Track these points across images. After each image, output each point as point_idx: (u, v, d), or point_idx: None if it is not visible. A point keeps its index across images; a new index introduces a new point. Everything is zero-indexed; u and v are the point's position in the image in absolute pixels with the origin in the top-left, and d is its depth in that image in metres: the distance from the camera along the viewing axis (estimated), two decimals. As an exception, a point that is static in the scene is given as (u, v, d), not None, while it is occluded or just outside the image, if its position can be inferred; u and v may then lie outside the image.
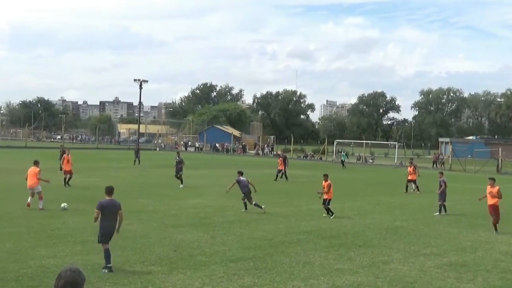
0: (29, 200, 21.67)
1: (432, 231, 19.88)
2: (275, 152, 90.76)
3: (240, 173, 23.86)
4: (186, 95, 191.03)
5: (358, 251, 15.86)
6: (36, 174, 22.06)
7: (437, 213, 24.68)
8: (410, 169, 35.73)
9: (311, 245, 16.43)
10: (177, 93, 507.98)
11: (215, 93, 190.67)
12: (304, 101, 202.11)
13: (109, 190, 13.27)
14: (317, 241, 17.11)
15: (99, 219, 12.84)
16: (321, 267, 13.65)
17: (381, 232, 19.25)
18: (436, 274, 13.53)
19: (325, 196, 22.74)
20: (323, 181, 23.03)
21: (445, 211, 24.83)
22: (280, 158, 42.22)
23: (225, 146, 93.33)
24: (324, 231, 18.95)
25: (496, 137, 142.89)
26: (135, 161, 51.64)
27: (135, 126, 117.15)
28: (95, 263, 13.13)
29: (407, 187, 34.88)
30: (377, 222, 21.51)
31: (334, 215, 22.16)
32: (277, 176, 40.59)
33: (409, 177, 35.09)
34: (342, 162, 62.41)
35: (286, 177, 40.51)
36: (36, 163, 22.67)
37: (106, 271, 12.39)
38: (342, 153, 66.48)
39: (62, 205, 21.61)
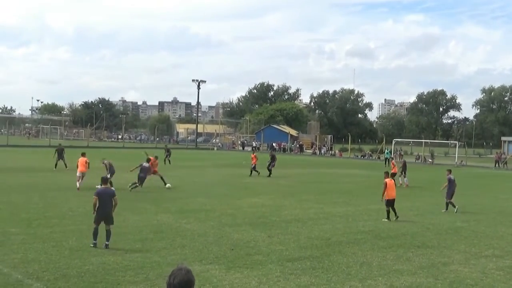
0: (78, 185, 27.47)
1: (494, 232, 19.39)
2: (332, 152, 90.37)
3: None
4: (244, 95, 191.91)
5: (417, 252, 15.61)
6: (85, 162, 28.45)
7: (444, 210, 24.49)
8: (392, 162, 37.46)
9: (369, 245, 16.28)
10: (235, 93, 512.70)
11: (272, 93, 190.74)
12: (362, 100, 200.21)
13: (104, 180, 15.56)
14: (375, 241, 16.93)
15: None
16: (379, 268, 13.51)
17: (441, 233, 18.89)
18: (498, 276, 13.20)
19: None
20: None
21: (453, 207, 24.36)
22: (253, 154, 42.74)
23: (282, 146, 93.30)
24: (382, 231, 18.74)
25: None
26: (164, 160, 46.92)
27: (193, 126, 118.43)
28: (154, 261, 13.36)
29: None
30: (436, 222, 21.13)
31: (397, 217, 21.31)
32: (251, 172, 40.01)
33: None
34: (386, 159, 61.71)
35: (255, 172, 39.72)
36: (83, 154, 29.40)
37: (91, 245, 14.52)
38: (386, 150, 65.94)
39: (167, 185, 29.19)
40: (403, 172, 37.29)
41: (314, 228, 18.79)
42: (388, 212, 21.30)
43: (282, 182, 35.94)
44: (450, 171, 26.03)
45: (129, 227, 17.74)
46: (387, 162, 60.25)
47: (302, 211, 22.75)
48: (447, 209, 24.64)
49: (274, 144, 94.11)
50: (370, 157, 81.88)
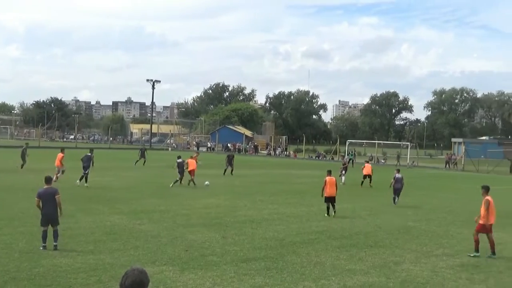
0: (54, 177, 28.50)
1: (444, 232, 19.80)
2: (287, 153, 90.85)
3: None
4: (199, 95, 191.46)
5: (370, 251, 15.82)
6: (59, 158, 31.51)
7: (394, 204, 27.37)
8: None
9: (322, 245, 16.41)
10: (190, 94, 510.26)
11: (227, 93, 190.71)
12: (317, 101, 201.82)
13: (47, 180, 14.85)
14: (328, 241, 17.09)
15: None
16: (332, 268, 13.63)
17: (393, 232, 19.19)
18: (448, 275, 13.47)
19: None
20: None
21: (394, 202, 27.44)
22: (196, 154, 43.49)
23: (237, 146, 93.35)
24: (335, 231, 18.92)
25: (509, 137, 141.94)
26: (139, 161, 49.43)
27: (148, 126, 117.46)
28: (106, 263, 13.18)
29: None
30: (388, 222, 21.45)
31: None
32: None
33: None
34: (351, 160, 62.53)
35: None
36: (62, 150, 32.75)
37: (41, 248, 14.19)
38: (350, 152, 66.87)
39: (206, 182, 31.96)
40: (343, 171, 40.34)
41: (269, 228, 18.84)
42: (328, 208, 22.56)
43: (237, 183, 35.94)
44: (398, 170, 29.25)
45: (81, 228, 17.46)
46: (352, 163, 61.04)
47: (257, 212, 22.79)
48: (394, 202, 27.48)
49: (229, 145, 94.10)
50: (324, 158, 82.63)
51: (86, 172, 30.03)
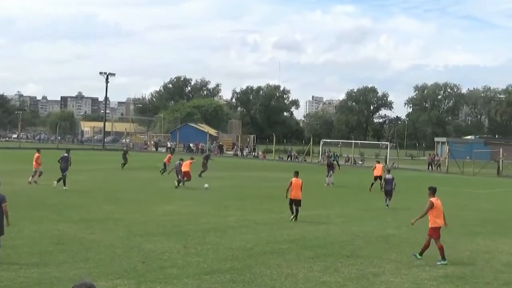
0: (30, 179, 32.44)
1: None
2: (255, 153, 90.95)
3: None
4: (158, 90, 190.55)
5: (346, 262, 15.89)
6: (36, 159, 32.98)
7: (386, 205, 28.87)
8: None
9: (294, 255, 16.44)
10: (148, 88, 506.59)
11: (189, 88, 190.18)
12: (288, 97, 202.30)
13: None
14: (301, 251, 17.13)
15: None
16: (305, 280, 13.65)
17: (371, 241, 19.32)
18: (431, 287, 13.60)
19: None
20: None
21: (386, 205, 28.86)
22: (169, 155, 46.28)
23: (200, 146, 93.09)
24: (308, 240, 18.97)
25: (496, 136, 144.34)
26: (124, 164, 49.71)
27: (100, 124, 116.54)
28: (53, 276, 13.00)
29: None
30: (366, 230, 21.59)
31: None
32: (162, 172, 43.16)
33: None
34: (337, 162, 63.09)
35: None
36: (38, 150, 34.16)
37: None
38: (334, 154, 67.25)
39: (206, 185, 34.49)
40: (330, 171, 41.34)
41: (235, 237, 18.81)
42: (292, 210, 23.11)
43: (199, 186, 35.82)
44: (388, 171, 30.89)
45: (25, 238, 17.21)
46: (338, 166, 61.47)
47: (222, 219, 22.74)
48: (386, 205, 28.87)
49: (191, 145, 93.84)
50: (296, 159, 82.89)
51: (64, 174, 31.27)
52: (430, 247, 16.63)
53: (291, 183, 23.46)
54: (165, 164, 44.49)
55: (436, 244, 16.52)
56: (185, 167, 36.17)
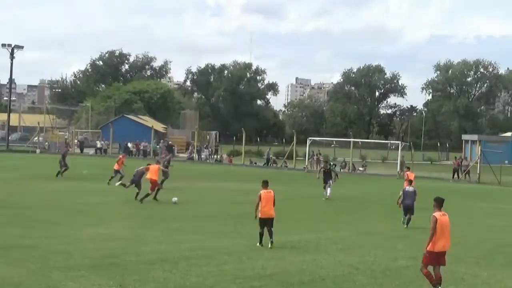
0: None
1: (451, 273, 20.15)
2: (218, 156, 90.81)
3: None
4: (83, 69, 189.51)
5: (342, 304, 15.99)
6: None
7: (405, 226, 30.27)
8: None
9: (272, 296, 16.49)
10: (70, 67, 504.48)
11: (127, 67, 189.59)
12: (263, 79, 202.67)
13: None
14: (280, 290, 17.21)
15: None
16: (286, 330, 13.72)
17: (376, 275, 19.43)
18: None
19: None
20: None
21: (406, 225, 30.25)
22: (121, 155, 47.54)
23: (141, 147, 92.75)
24: (290, 274, 19.02)
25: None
26: (63, 170, 49.87)
27: (3, 116, 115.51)
28: None
29: None
30: (370, 260, 21.71)
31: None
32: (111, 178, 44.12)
33: None
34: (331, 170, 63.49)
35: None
36: None
37: None
38: (329, 161, 67.39)
39: (174, 199, 35.39)
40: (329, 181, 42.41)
41: (190, 271, 18.81)
42: (262, 235, 23.39)
43: (141, 203, 35.74)
44: (410, 182, 32.11)
45: None
46: (336, 176, 61.92)
47: (172, 247, 22.75)
48: (406, 225, 30.16)
49: (129, 145, 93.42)
50: (275, 164, 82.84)
51: None
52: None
53: (259, 196, 23.65)
54: (116, 172, 44.77)
55: (434, 271, 17.35)
56: (151, 174, 36.75)
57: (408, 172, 40.76)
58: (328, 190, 41.79)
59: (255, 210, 23.73)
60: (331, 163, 65.95)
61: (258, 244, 23.33)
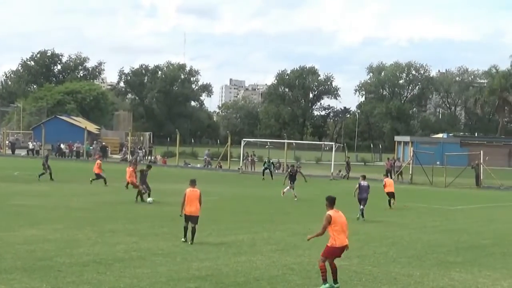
0: None
1: (384, 273, 20.33)
2: (152, 157, 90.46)
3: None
4: (14, 69, 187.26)
5: (277, 305, 16.02)
6: None
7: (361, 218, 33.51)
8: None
9: (207, 297, 16.48)
10: (0, 66, 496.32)
11: (59, 67, 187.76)
12: (197, 81, 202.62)
13: None
14: (215, 291, 17.21)
15: None
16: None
17: (311, 276, 19.50)
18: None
19: None
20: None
21: (363, 217, 33.57)
22: (98, 158, 48.77)
23: (74, 148, 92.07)
24: (225, 275, 19.02)
25: (476, 135, 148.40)
26: (46, 173, 50.46)
27: None
28: None
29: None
30: (304, 261, 21.79)
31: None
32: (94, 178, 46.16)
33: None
34: (268, 170, 63.60)
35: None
36: None
37: None
38: (266, 161, 67.50)
39: (149, 199, 35.98)
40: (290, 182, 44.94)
41: (124, 273, 18.70)
42: (186, 229, 24.57)
43: (74, 204, 35.48)
44: (364, 177, 35.90)
45: None
46: (271, 176, 62.19)
47: (107, 248, 22.59)
48: (362, 217, 33.55)
49: (62, 146, 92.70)
50: (209, 166, 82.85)
51: None
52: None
53: (185, 195, 24.88)
54: (98, 176, 46.72)
55: (331, 264, 17.82)
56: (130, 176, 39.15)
57: (386, 179, 41.92)
58: (292, 191, 43.96)
59: (181, 208, 24.81)
60: (270, 163, 66.31)
61: (182, 239, 24.47)
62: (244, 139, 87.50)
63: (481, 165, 66.02)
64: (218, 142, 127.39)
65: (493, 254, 24.74)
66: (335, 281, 17.62)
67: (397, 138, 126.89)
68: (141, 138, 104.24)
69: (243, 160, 78.11)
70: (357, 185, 35.15)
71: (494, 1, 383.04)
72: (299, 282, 18.55)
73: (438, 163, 75.12)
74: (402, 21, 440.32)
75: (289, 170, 47.45)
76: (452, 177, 64.42)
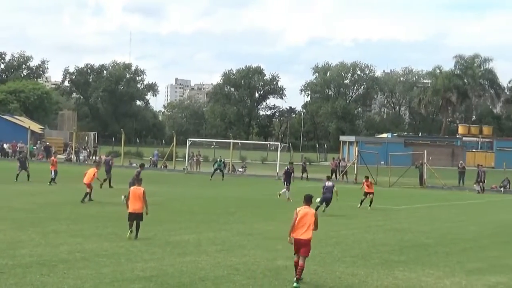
0: None
1: (329, 272, 20.43)
2: (97, 157, 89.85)
3: None
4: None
5: (222, 305, 16.01)
6: None
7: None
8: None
9: (151, 298, 16.42)
10: None
11: (2, 66, 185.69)
12: (143, 80, 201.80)
13: None
14: (160, 292, 17.16)
15: None
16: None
17: (256, 276, 19.53)
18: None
19: None
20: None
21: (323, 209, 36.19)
22: (53, 158, 48.60)
23: (18, 148, 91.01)
24: (170, 276, 18.97)
25: (420, 134, 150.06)
26: (19, 175, 50.94)
27: None
28: None
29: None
30: (249, 261, 21.81)
31: None
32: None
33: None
34: (219, 170, 63.59)
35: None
36: None
37: None
38: (218, 160, 67.33)
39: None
40: (285, 183, 45.62)
41: (69, 274, 18.55)
42: (131, 225, 25.24)
43: (16, 205, 35.11)
44: (328, 178, 39.57)
45: None
46: (222, 175, 62.15)
47: (50, 249, 22.40)
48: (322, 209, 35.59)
49: (5, 146, 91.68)
50: (154, 166, 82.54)
51: None
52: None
53: (129, 193, 26.01)
54: (55, 172, 47.83)
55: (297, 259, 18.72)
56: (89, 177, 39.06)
57: (366, 182, 42.60)
58: (287, 193, 44.56)
59: (126, 205, 25.91)
60: (221, 162, 66.28)
61: (128, 233, 25.16)
62: (189, 139, 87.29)
63: (425, 165, 66.76)
64: (164, 142, 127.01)
65: (436, 253, 25.01)
66: (297, 280, 18.28)
67: (342, 138, 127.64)
68: (86, 138, 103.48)
69: (188, 160, 77.95)
70: (322, 187, 37.14)
71: (438, 2, 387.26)
72: (244, 282, 18.56)
73: (382, 163, 75.78)
74: (347, 22, 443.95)
75: (286, 169, 47.59)
76: (396, 176, 65.10)
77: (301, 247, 18.44)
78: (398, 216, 39.04)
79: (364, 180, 43.12)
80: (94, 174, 39.11)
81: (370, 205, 40.76)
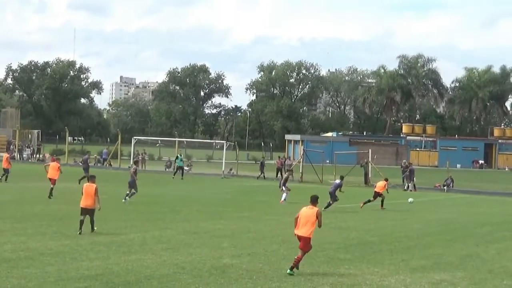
0: None
1: (275, 271, 20.48)
2: (41, 155, 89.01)
3: None
4: None
5: (168, 303, 15.97)
6: None
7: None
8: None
9: (96, 297, 16.32)
10: None
11: None
12: (87, 78, 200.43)
13: None
14: (104, 291, 17.06)
15: None
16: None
17: (202, 274, 19.51)
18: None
19: None
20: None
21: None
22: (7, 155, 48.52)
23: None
24: (116, 274, 18.87)
25: (364, 133, 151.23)
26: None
27: None
28: None
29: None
30: (195, 259, 21.77)
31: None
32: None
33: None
34: (180, 168, 63.50)
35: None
36: None
37: None
38: (179, 156, 67.11)
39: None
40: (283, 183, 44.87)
41: (12, 273, 18.36)
42: (82, 222, 25.90)
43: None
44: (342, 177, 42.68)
45: None
46: (182, 173, 61.95)
47: (-5, 248, 22.17)
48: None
49: None
50: (99, 164, 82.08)
51: None
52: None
53: (82, 188, 27.20)
54: (6, 170, 47.54)
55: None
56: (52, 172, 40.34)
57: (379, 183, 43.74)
58: (284, 195, 43.79)
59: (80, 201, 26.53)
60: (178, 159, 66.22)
61: (78, 231, 25.65)
62: (134, 137, 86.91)
63: (370, 164, 67.29)
64: (109, 140, 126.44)
65: (381, 251, 25.23)
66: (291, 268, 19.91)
67: (287, 137, 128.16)
68: (29, 136, 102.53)
69: (133, 158, 77.57)
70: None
71: (383, 3, 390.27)
72: (190, 281, 18.53)
73: (327, 161, 76.17)
74: (293, 21, 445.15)
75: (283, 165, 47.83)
76: (342, 175, 65.30)
77: (300, 240, 20.42)
78: (343, 214, 39.24)
79: (384, 181, 44.26)
80: (58, 168, 39.38)
81: (382, 205, 42.31)
